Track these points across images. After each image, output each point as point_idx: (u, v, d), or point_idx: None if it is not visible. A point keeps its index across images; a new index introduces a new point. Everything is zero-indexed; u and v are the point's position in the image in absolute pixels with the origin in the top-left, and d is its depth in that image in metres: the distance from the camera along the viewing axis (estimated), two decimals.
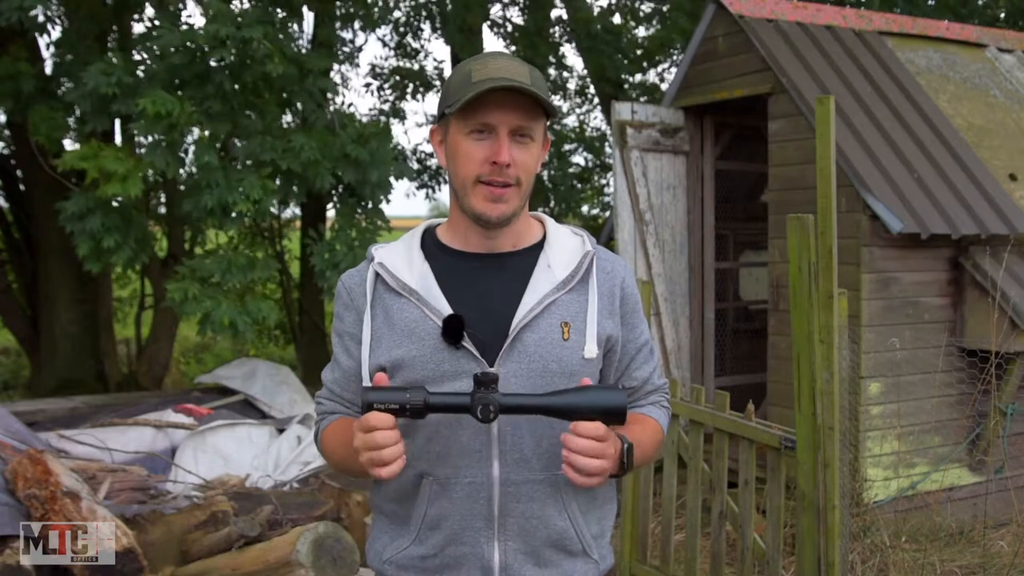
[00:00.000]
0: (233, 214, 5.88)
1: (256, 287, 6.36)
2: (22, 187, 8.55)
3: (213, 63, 5.91)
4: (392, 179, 6.54)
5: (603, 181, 13.54)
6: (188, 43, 5.79)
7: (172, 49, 5.81)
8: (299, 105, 6.53)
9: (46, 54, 7.35)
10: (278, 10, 6.92)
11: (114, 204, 5.89)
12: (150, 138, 5.85)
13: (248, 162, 6.08)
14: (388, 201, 6.67)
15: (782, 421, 4.20)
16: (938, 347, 4.92)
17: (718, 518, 3.40)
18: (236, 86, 5.97)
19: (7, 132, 8.52)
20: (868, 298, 4.85)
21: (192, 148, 5.99)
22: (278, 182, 6.20)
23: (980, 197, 5.20)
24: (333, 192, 6.97)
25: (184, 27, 6.02)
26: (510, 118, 1.45)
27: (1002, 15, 10.34)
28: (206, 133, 5.85)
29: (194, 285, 5.71)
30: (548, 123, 1.56)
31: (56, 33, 6.70)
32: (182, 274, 5.90)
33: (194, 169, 6.08)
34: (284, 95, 6.49)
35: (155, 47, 5.91)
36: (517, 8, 12.11)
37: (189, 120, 5.66)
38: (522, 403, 1.39)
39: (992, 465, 5.03)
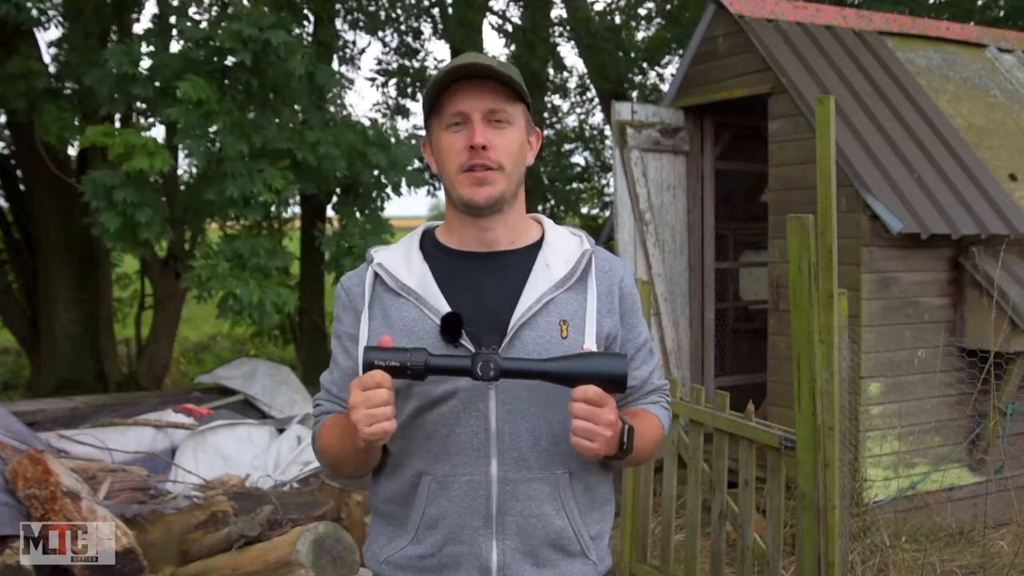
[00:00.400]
0: (251, 203, 5.89)
1: (272, 276, 6.36)
2: (22, 187, 8.55)
3: (230, 61, 5.91)
4: (404, 185, 6.61)
5: (603, 181, 13.54)
6: (211, 41, 5.79)
7: (193, 44, 5.82)
8: (296, 107, 6.55)
9: (47, 57, 7.36)
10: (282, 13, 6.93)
11: (149, 179, 5.81)
12: (178, 124, 5.82)
13: (261, 156, 6.09)
14: (383, 209, 6.73)
15: (782, 421, 4.20)
16: (938, 347, 4.92)
17: (718, 518, 3.40)
18: (257, 84, 5.99)
19: (7, 132, 8.53)
20: (868, 298, 4.85)
21: (216, 138, 5.97)
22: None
23: (980, 197, 5.20)
24: (333, 194, 6.98)
25: (200, 24, 6.04)
26: (481, 103, 1.48)
27: (1001, 13, 10.33)
28: (228, 122, 5.84)
29: (223, 263, 5.70)
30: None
31: (55, 32, 6.75)
32: (205, 254, 5.90)
33: (195, 162, 6.08)
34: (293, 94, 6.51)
35: (182, 38, 5.90)
36: (517, 7, 12.12)
37: (222, 109, 5.66)
38: (522, 367, 1.40)
39: (992, 465, 5.03)
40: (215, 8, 7.25)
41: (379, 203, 6.61)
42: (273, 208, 6.35)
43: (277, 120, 6.20)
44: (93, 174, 5.73)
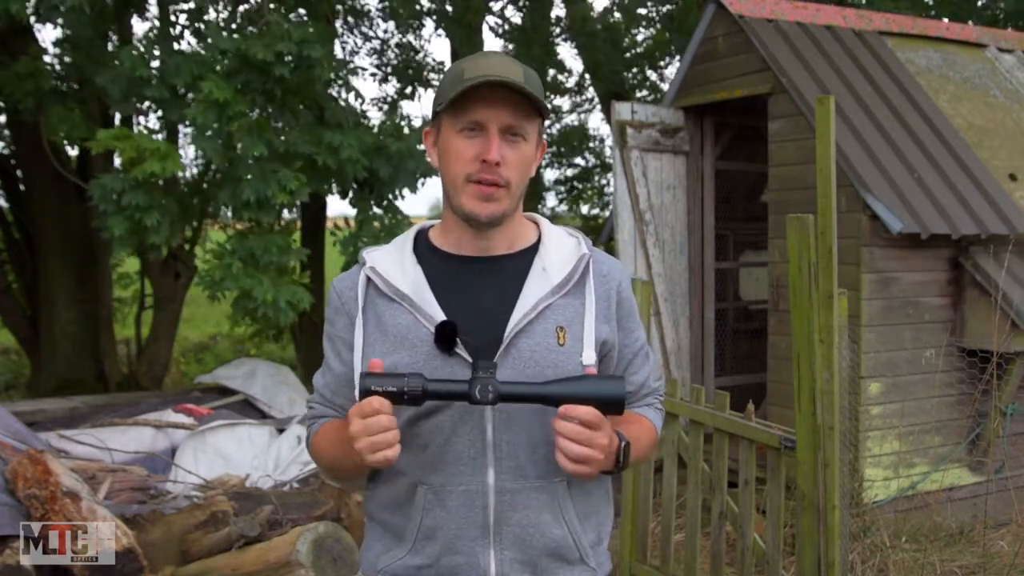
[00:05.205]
0: (265, 205, 5.88)
1: (286, 273, 6.33)
2: (22, 187, 8.55)
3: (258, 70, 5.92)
4: (420, 174, 6.64)
5: (603, 181, 13.55)
6: (239, 49, 5.79)
7: (219, 52, 5.83)
8: (301, 105, 6.55)
9: (49, 58, 7.34)
10: (297, 12, 6.94)
11: (157, 182, 5.79)
12: (192, 124, 5.81)
13: (275, 159, 6.10)
14: (403, 197, 6.74)
15: (782, 421, 4.20)
16: (938, 347, 4.92)
17: (718, 518, 3.40)
18: (280, 90, 6.03)
19: (7, 132, 8.53)
20: (868, 298, 4.85)
21: (231, 139, 5.96)
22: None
23: (980, 197, 5.20)
24: (350, 190, 6.99)
25: (223, 30, 6.06)
26: (501, 116, 1.43)
27: (1002, 15, 10.33)
28: (246, 124, 5.84)
29: (237, 262, 5.68)
30: (546, 125, 1.55)
31: (55, 33, 6.73)
32: (218, 253, 5.89)
33: (201, 162, 6.08)
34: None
35: (209, 45, 5.90)
36: (516, 8, 12.12)
37: (240, 111, 5.67)
38: (520, 391, 1.37)
39: (992, 465, 5.03)
40: (227, 9, 7.26)
41: (397, 194, 6.62)
42: (284, 211, 6.35)
43: (299, 123, 6.19)
44: (102, 178, 5.73)
